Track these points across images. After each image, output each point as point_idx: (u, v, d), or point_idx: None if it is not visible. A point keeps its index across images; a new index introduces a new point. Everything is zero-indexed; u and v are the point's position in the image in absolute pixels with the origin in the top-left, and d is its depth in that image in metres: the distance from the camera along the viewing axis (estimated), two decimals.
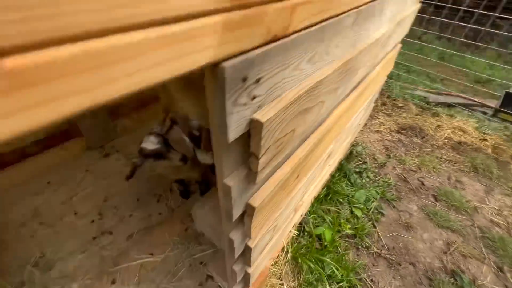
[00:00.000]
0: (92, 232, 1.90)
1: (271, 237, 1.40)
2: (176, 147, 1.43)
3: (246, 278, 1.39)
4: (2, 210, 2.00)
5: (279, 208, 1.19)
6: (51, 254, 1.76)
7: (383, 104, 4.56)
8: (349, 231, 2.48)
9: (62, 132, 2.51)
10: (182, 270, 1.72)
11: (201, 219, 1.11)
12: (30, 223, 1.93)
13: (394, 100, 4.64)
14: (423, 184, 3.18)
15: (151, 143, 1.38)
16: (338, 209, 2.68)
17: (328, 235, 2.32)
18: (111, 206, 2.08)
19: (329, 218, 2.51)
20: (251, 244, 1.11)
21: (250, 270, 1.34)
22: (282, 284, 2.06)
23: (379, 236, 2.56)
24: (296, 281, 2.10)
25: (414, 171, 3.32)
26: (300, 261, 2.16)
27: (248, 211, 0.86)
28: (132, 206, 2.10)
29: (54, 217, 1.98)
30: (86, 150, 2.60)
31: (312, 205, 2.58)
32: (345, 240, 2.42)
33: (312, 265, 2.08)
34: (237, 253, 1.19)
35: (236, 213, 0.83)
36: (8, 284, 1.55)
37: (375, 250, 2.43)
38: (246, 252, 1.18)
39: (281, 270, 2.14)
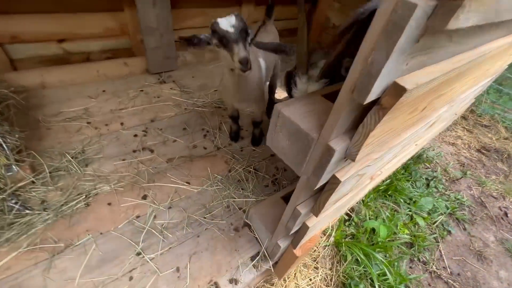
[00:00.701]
0: (134, 145, 1.77)
1: (345, 194, 1.08)
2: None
3: (301, 233, 1.09)
4: (59, 101, 1.97)
5: (377, 151, 0.86)
6: (91, 152, 1.66)
7: (464, 118, 3.87)
8: (407, 237, 2.04)
9: (127, 49, 2.45)
10: (217, 209, 1.48)
11: (276, 140, 0.84)
12: (79, 120, 1.86)
13: (480, 116, 3.91)
14: (506, 215, 2.56)
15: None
16: (396, 209, 2.24)
17: (383, 231, 1.92)
18: (156, 127, 1.94)
19: (387, 214, 2.09)
20: None
21: (311, 223, 1.04)
22: (317, 268, 1.74)
23: (441, 255, 2.08)
24: (333, 270, 1.75)
25: (495, 198, 2.71)
26: (343, 249, 1.81)
27: None
28: (178, 133, 1.93)
29: (101, 121, 1.89)
30: (144, 73, 2.51)
31: (368, 195, 2.18)
32: (399, 246, 1.99)
33: (360, 257, 1.72)
34: (309, 192, 0.90)
35: None
36: (46, 164, 1.46)
37: (434, 269, 1.97)
38: (320, 196, 0.88)
39: (319, 252, 1.81)
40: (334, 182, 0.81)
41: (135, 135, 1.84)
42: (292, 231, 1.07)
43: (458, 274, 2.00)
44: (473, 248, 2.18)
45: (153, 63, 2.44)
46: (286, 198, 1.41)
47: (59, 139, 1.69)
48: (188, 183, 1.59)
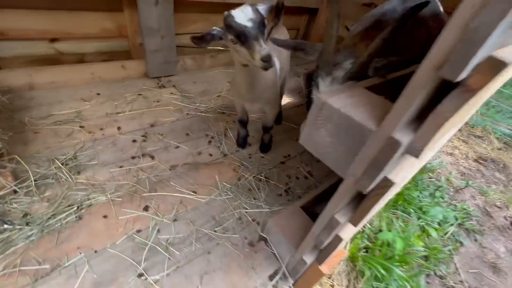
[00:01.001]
0: (132, 151, 1.60)
1: None
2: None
3: (331, 246, 0.96)
4: (48, 104, 1.78)
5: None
6: (85, 158, 1.48)
7: (459, 129, 3.95)
8: (422, 250, 1.94)
9: (125, 52, 2.32)
10: (229, 221, 1.33)
11: (315, 137, 0.74)
12: (71, 123, 1.68)
13: (472, 127, 4.01)
14: (511, 224, 2.54)
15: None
16: (408, 219, 2.15)
17: (400, 244, 1.81)
18: (157, 133, 1.79)
19: (400, 224, 1.99)
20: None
21: (345, 235, 0.92)
22: (333, 286, 1.59)
23: (457, 268, 1.99)
24: (350, 287, 1.61)
25: (499, 207, 2.69)
26: (359, 263, 1.67)
27: None
28: (181, 139, 1.79)
29: (96, 125, 1.72)
30: (143, 77, 2.37)
31: None
32: (417, 259, 1.89)
33: (379, 273, 1.59)
34: (350, 198, 0.79)
35: None
36: (31, 171, 1.27)
37: (452, 283, 1.87)
38: (364, 202, 0.77)
39: (333, 268, 1.67)
40: (385, 185, 0.70)
41: (134, 141, 1.68)
42: (324, 245, 0.94)
43: None
44: (487, 260, 2.11)
45: (153, 67, 2.32)
46: (304, 208, 1.29)
47: (47, 143, 1.50)
48: (195, 192, 1.44)
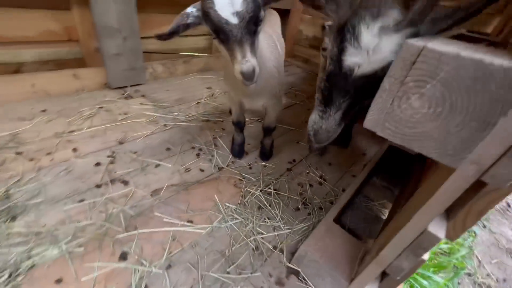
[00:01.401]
0: (96, 177, 1.19)
1: None
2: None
3: (409, 273, 0.68)
4: None
5: None
6: (23, 197, 1.03)
7: None
8: (445, 247, 1.77)
9: (77, 59, 1.90)
10: (243, 255, 0.99)
11: (399, 111, 0.47)
12: (4, 149, 1.22)
13: None
14: (509, 206, 2.53)
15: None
16: None
17: None
18: (129, 151, 1.39)
19: None
20: None
21: (427, 255, 0.64)
22: None
23: (480, 262, 1.84)
24: None
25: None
26: None
27: None
28: (161, 155, 1.41)
29: (40, 150, 1.28)
30: (102, 88, 1.95)
31: None
32: (457, 260, 1.70)
33: (421, 286, 1.35)
34: (453, 196, 0.53)
35: None
36: None
37: (481, 279, 1.70)
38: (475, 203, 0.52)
39: None
40: None
41: (98, 164, 1.26)
42: (404, 272, 0.65)
43: (504, 280, 1.76)
44: (502, 247, 2.01)
45: (115, 75, 1.92)
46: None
47: None
48: (190, 222, 1.07)
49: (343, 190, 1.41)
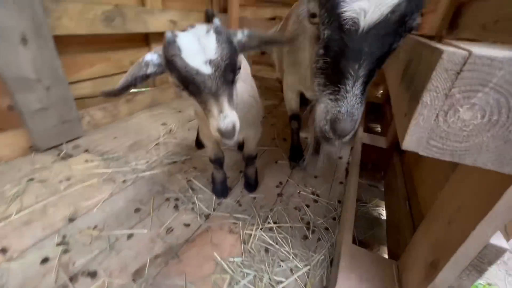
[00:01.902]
0: (48, 280, 0.87)
1: None
2: None
3: None
4: None
5: None
6: None
7: None
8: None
9: None
10: None
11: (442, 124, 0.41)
12: None
13: None
14: None
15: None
16: None
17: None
18: (85, 227, 1.09)
19: None
20: None
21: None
22: None
23: None
24: None
25: None
26: None
27: None
28: (130, 221, 1.14)
29: None
30: (27, 153, 1.55)
31: None
32: None
33: None
34: None
35: None
36: None
37: None
38: None
39: None
40: None
41: (44, 260, 0.94)
42: None
43: None
44: None
45: (42, 134, 1.55)
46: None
47: None
48: None
49: (339, 202, 1.36)
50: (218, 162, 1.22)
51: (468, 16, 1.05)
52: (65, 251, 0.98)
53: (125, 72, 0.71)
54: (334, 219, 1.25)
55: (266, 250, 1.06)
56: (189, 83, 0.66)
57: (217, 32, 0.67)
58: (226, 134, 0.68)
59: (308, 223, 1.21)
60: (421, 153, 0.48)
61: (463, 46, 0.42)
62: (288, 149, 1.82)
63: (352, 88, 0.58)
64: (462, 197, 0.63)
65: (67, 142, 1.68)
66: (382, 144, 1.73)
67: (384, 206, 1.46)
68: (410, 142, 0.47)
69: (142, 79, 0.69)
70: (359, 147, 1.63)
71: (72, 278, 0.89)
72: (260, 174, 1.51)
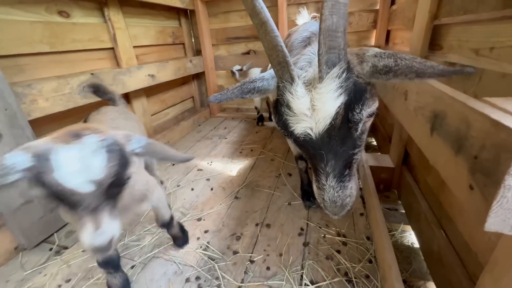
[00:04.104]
0: None
1: None
2: None
3: None
4: None
5: None
6: None
7: None
8: None
9: None
10: None
11: None
12: None
13: None
14: None
15: None
16: None
17: None
18: None
19: None
20: None
21: None
22: None
23: None
24: None
25: None
26: None
27: None
28: None
29: None
30: (15, 254, 1.35)
31: None
32: None
33: None
34: None
35: None
36: None
37: None
38: None
39: None
40: None
41: None
42: None
43: None
44: None
45: (28, 231, 1.37)
46: None
47: None
48: None
49: (368, 239, 1.29)
50: (109, 265, 1.02)
51: (452, 38, 1.08)
52: None
53: None
54: (370, 261, 1.17)
55: None
56: (62, 201, 0.57)
57: (109, 150, 0.61)
58: (100, 250, 0.61)
59: (346, 274, 1.12)
60: (508, 233, 0.43)
61: None
62: (295, 186, 1.76)
63: (326, 181, 0.68)
64: None
65: (58, 230, 1.50)
66: (389, 163, 1.71)
67: (411, 231, 1.41)
68: (495, 224, 0.42)
69: None
70: (368, 172, 1.60)
71: None
72: (276, 221, 1.42)
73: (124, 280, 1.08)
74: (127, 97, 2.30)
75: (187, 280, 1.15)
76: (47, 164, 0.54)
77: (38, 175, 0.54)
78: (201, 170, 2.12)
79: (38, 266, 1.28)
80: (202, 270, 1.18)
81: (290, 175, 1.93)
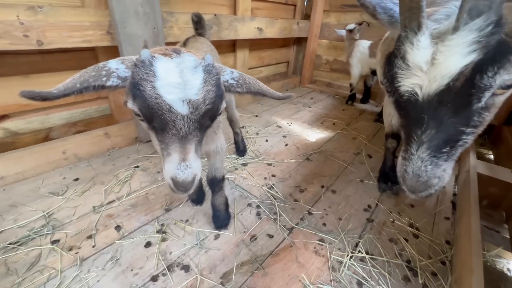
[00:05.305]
0: (149, 264, 0.96)
1: None
2: None
3: None
4: None
5: None
6: None
7: None
8: None
9: (105, 116, 1.77)
10: None
11: None
12: (36, 241, 1.01)
13: None
14: None
15: None
16: None
17: None
18: (178, 219, 1.16)
19: None
20: None
21: None
22: None
23: None
24: None
25: None
26: None
27: None
28: (206, 217, 1.18)
29: (78, 232, 1.07)
30: (133, 142, 1.79)
31: None
32: None
33: None
34: None
35: None
36: None
37: None
38: None
39: None
40: None
41: (148, 244, 1.04)
42: None
43: None
44: None
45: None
46: None
47: None
48: None
49: (448, 243, 1.12)
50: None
51: None
52: (163, 240, 1.06)
53: None
54: (443, 263, 1.03)
55: (359, 283, 0.93)
56: (154, 117, 0.55)
57: (207, 71, 0.58)
58: (182, 186, 0.58)
59: (408, 262, 1.03)
60: None
61: None
62: (373, 168, 1.63)
63: (416, 151, 0.60)
64: None
65: None
66: (507, 178, 1.36)
67: (511, 259, 1.13)
68: None
69: (94, 90, 0.55)
70: (474, 178, 1.33)
71: (169, 267, 0.95)
72: (343, 192, 1.38)
73: (201, 196, 1.29)
74: (234, 46, 2.51)
75: (249, 205, 1.29)
76: (149, 72, 0.54)
77: (137, 85, 0.54)
78: (279, 127, 2.20)
79: (147, 155, 1.67)
80: (263, 203, 1.30)
81: (370, 156, 1.79)
